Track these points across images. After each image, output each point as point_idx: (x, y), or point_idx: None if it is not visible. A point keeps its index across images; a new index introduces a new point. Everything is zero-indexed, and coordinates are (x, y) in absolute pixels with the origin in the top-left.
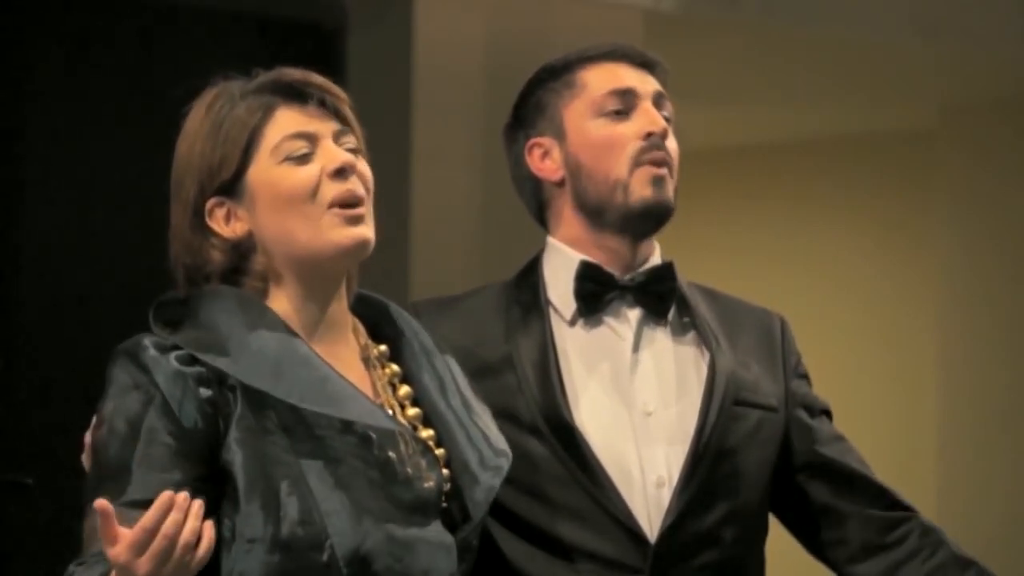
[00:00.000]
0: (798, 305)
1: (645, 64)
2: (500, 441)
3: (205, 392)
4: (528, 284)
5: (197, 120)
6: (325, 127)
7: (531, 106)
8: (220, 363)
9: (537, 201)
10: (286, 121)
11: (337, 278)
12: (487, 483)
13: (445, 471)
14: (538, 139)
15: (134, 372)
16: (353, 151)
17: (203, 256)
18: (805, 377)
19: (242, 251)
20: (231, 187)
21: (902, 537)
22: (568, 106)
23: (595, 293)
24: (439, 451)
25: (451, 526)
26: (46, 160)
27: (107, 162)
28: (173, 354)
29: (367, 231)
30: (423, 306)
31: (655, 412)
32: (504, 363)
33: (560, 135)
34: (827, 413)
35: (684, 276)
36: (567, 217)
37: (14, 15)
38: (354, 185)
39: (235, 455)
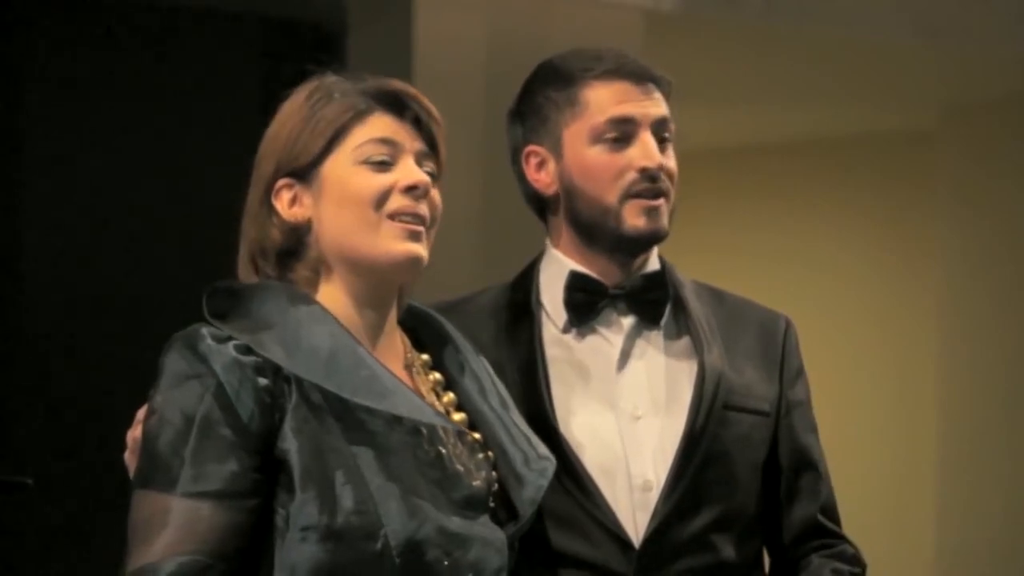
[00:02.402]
0: (798, 305)
1: (651, 80)
2: (540, 445)
3: (262, 381)
4: (523, 289)
5: (293, 106)
6: (412, 144)
7: (532, 110)
8: (274, 355)
9: (538, 204)
10: (376, 126)
11: (386, 287)
12: (535, 483)
13: (493, 472)
14: (536, 147)
15: (192, 360)
16: (431, 176)
17: (264, 231)
18: (805, 386)
19: (299, 235)
20: (305, 173)
21: (809, 555)
22: (568, 126)
23: (586, 303)
24: (488, 452)
25: (497, 526)
26: (47, 161)
27: (108, 162)
28: (231, 343)
29: (422, 249)
30: None
31: (644, 416)
32: (494, 369)
33: (557, 152)
34: (814, 431)
35: (687, 276)
36: (562, 230)
37: (13, 15)
38: (422, 206)
39: (291, 444)
